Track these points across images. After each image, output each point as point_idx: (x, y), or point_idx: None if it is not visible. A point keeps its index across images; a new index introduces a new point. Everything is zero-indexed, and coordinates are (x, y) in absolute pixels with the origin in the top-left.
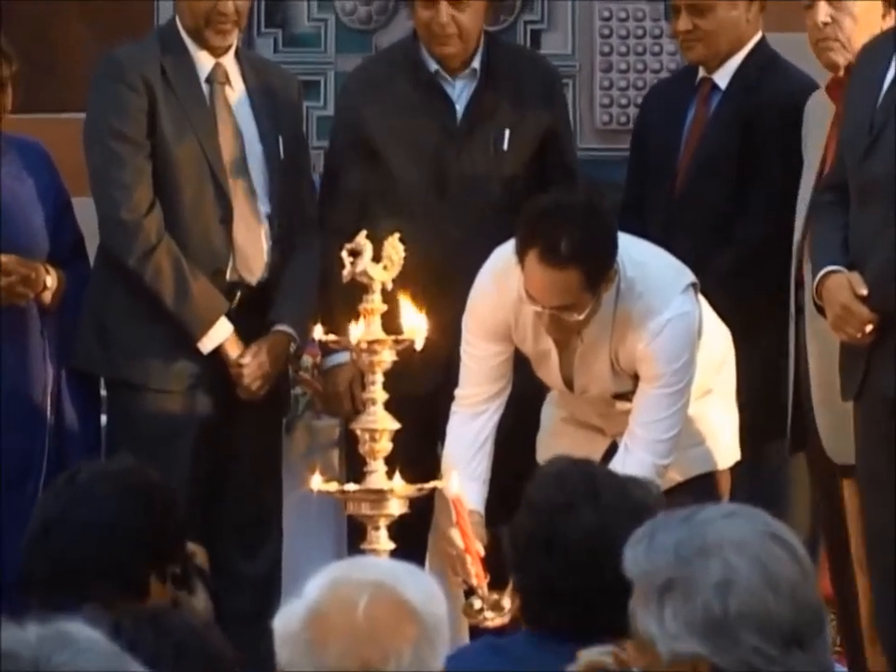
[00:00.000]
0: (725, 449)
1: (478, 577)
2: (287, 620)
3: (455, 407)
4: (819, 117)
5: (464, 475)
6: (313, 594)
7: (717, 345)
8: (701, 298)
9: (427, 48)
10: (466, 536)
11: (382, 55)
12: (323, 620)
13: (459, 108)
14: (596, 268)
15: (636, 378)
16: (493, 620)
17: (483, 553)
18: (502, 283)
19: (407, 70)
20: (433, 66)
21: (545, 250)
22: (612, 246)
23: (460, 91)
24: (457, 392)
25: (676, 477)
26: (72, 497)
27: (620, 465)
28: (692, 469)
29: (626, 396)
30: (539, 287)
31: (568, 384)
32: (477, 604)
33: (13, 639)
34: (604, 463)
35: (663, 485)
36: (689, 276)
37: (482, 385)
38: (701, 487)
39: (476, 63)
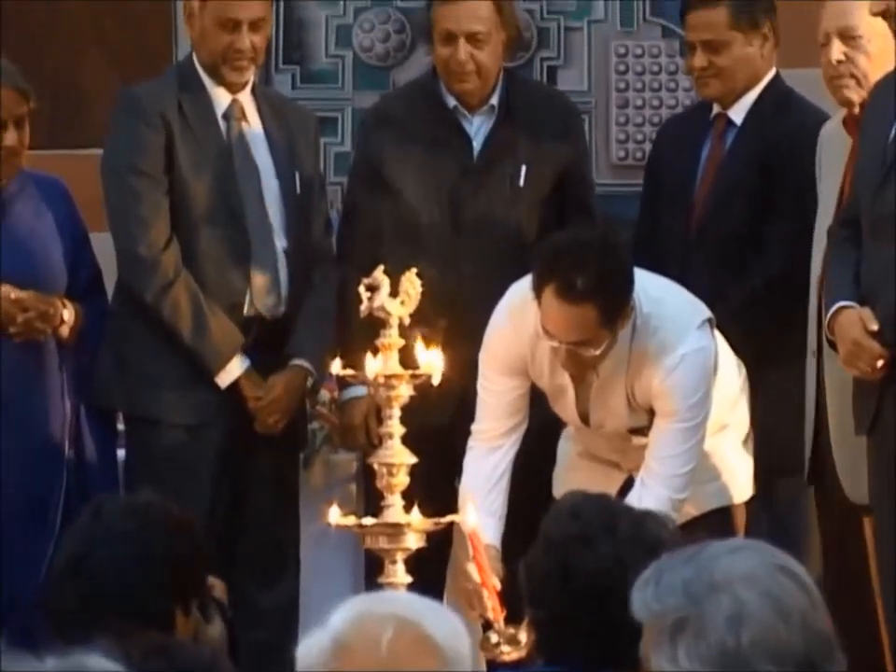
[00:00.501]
0: (741, 484)
1: (494, 611)
2: (309, 650)
3: (471, 442)
4: (835, 146)
5: (480, 510)
6: (337, 625)
7: (732, 381)
8: (717, 333)
9: (445, 84)
10: (482, 570)
11: (400, 91)
12: (346, 652)
13: (476, 145)
14: (613, 304)
15: (651, 413)
16: (509, 654)
17: (499, 587)
18: (518, 318)
19: (425, 106)
20: (451, 102)
21: (562, 286)
22: (628, 283)
23: (478, 128)
24: (474, 427)
25: (691, 511)
26: (96, 534)
27: (636, 499)
28: (707, 503)
29: (642, 431)
30: (556, 322)
31: (584, 418)
32: (494, 638)
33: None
34: (620, 497)
35: (679, 519)
36: (705, 312)
37: (498, 419)
38: (716, 522)
39: (494, 100)
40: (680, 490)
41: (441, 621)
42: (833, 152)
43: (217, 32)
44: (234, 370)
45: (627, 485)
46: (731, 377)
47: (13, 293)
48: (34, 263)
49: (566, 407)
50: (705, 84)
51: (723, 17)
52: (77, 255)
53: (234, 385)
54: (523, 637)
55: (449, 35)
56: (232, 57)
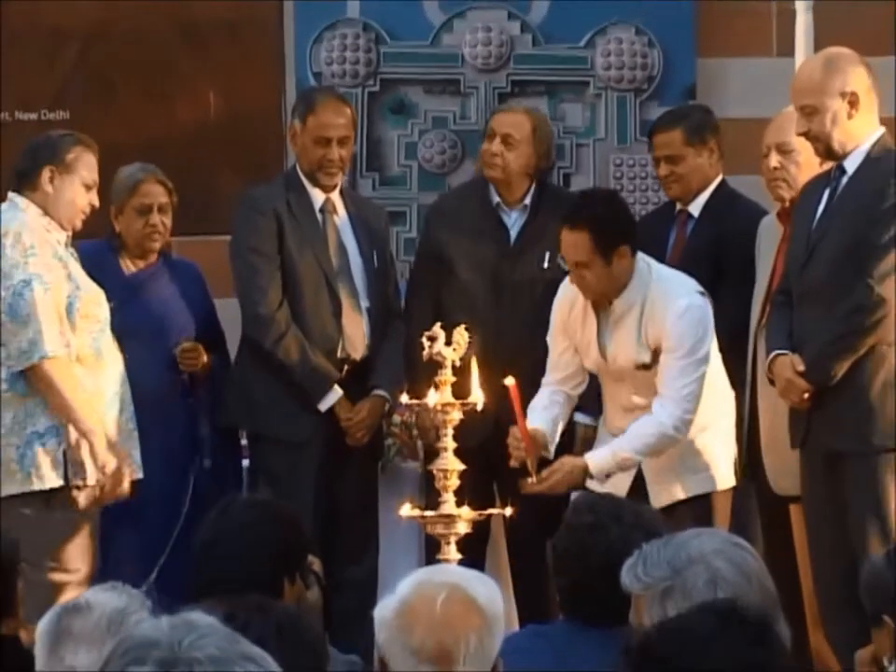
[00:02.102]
0: (722, 475)
1: (527, 450)
2: (383, 610)
3: (541, 389)
4: (770, 234)
5: (538, 414)
6: (404, 590)
7: (723, 395)
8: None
9: (482, 171)
10: (520, 416)
11: (456, 191)
12: (410, 611)
13: (513, 234)
14: (604, 236)
15: (655, 353)
16: (538, 486)
17: (531, 434)
18: (563, 293)
19: (475, 202)
20: (495, 200)
21: (569, 216)
22: (621, 226)
23: (514, 221)
24: (543, 379)
25: (680, 495)
26: (226, 524)
27: (654, 417)
28: (696, 488)
29: (647, 366)
30: (565, 246)
31: (604, 355)
32: (529, 481)
33: (153, 629)
34: (630, 495)
35: (671, 500)
36: (700, 287)
37: (553, 372)
38: (701, 505)
39: (527, 201)
40: (689, 412)
41: (483, 587)
42: (769, 238)
43: (313, 147)
44: (331, 398)
45: (635, 484)
46: (722, 392)
47: (185, 343)
48: (175, 325)
49: (590, 350)
50: (668, 188)
51: (678, 137)
52: (206, 320)
53: (331, 410)
54: (544, 474)
55: (492, 132)
56: (325, 166)
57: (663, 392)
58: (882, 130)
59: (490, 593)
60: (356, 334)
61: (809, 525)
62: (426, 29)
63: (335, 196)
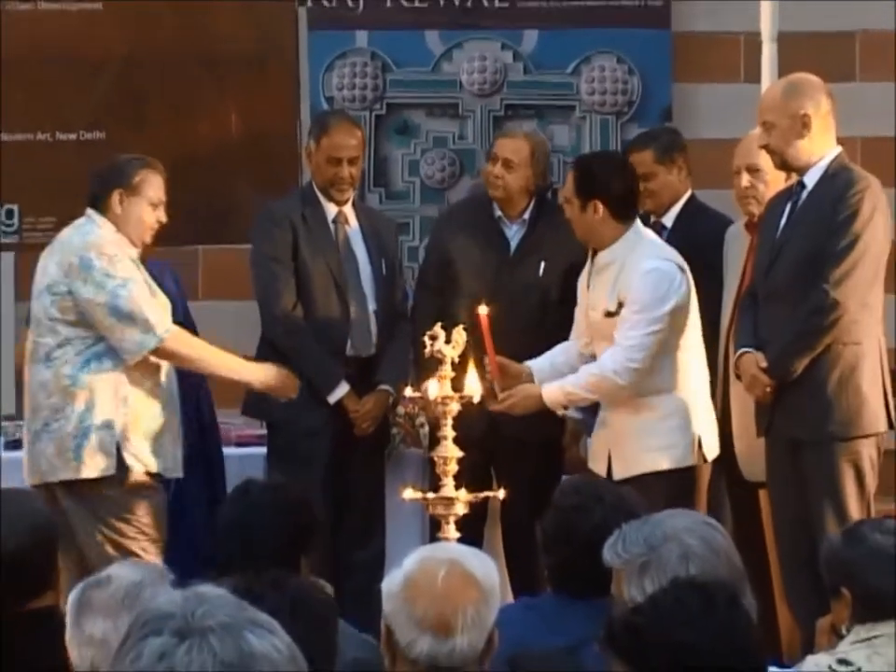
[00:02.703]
0: (708, 448)
1: (493, 372)
2: (390, 584)
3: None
4: (737, 242)
5: (545, 360)
6: (408, 566)
7: (700, 380)
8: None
9: (486, 191)
10: (489, 344)
11: (462, 204)
12: (413, 585)
13: (513, 244)
14: (583, 182)
15: (621, 306)
16: (497, 406)
17: (500, 362)
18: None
19: (479, 215)
20: (497, 213)
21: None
22: (602, 181)
23: (514, 233)
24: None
25: (665, 465)
26: (245, 506)
27: (600, 360)
28: (683, 461)
29: (612, 314)
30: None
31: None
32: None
33: (168, 602)
34: (609, 474)
35: (655, 469)
36: (683, 263)
37: (575, 328)
38: (683, 477)
39: (526, 215)
40: (631, 360)
41: (480, 563)
42: (736, 245)
43: (326, 165)
44: (340, 391)
45: (610, 460)
46: (701, 379)
47: None
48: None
49: (582, 304)
50: (642, 203)
51: (650, 156)
52: (183, 313)
53: (340, 403)
54: (503, 395)
55: (494, 156)
56: (337, 182)
57: (615, 340)
58: (839, 149)
59: (486, 568)
60: (363, 334)
61: (773, 508)
62: (427, 58)
63: (347, 209)
